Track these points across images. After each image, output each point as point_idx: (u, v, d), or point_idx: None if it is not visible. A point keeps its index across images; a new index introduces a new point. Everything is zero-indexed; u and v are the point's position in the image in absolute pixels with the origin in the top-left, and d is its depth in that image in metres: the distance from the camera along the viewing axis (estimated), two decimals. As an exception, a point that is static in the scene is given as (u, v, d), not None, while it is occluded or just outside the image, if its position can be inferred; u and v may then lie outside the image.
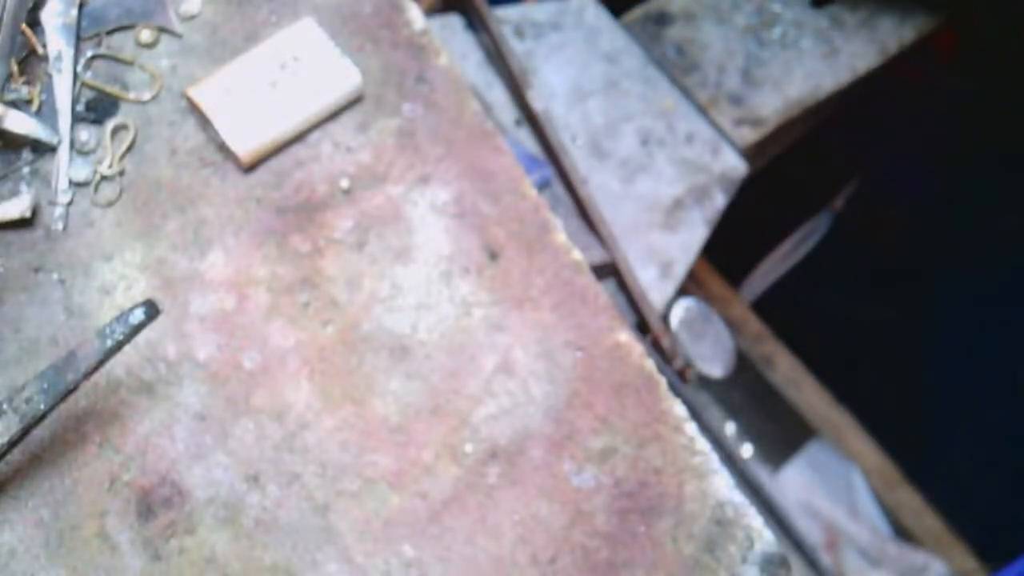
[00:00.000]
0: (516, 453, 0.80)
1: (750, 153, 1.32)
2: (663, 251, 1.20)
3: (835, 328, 1.92)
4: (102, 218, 0.84)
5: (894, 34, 1.42)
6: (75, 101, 0.87)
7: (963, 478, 1.75)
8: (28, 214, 0.82)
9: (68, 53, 0.87)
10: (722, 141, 1.29)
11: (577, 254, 0.88)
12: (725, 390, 1.65)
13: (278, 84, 0.88)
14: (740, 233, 1.45)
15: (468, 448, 0.80)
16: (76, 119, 0.87)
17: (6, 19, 0.84)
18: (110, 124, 0.87)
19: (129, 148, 0.87)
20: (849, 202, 2.00)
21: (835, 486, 1.69)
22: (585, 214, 1.12)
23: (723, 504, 0.80)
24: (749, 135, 1.32)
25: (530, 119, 1.18)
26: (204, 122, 0.87)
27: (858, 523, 1.66)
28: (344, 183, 0.88)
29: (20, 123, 0.83)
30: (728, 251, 1.55)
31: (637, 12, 1.45)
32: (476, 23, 1.22)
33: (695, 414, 0.86)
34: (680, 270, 1.19)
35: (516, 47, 1.26)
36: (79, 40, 0.89)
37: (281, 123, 0.87)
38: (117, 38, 0.91)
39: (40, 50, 0.87)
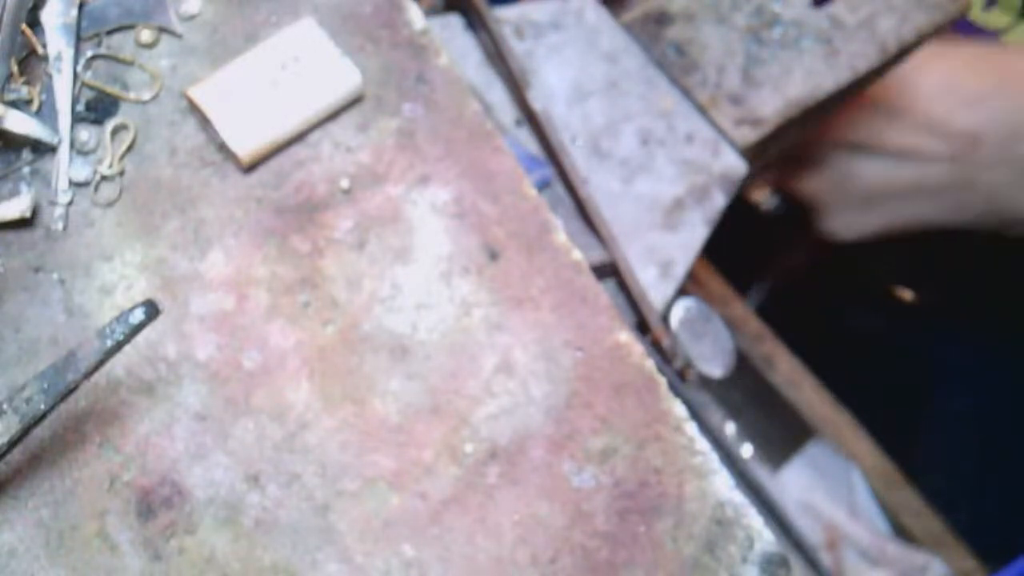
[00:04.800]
0: (516, 453, 0.80)
1: (750, 153, 1.32)
2: (663, 251, 1.19)
3: (835, 328, 1.92)
4: (102, 218, 0.84)
5: (894, 34, 1.42)
6: (75, 101, 0.87)
7: (963, 478, 1.75)
8: (28, 214, 0.82)
9: (68, 53, 0.87)
10: (722, 141, 1.29)
11: (577, 254, 0.88)
12: (725, 390, 1.65)
13: (278, 84, 0.88)
14: (740, 233, 1.44)
15: (468, 448, 0.80)
16: (76, 119, 0.86)
17: (6, 19, 0.84)
18: (110, 124, 0.87)
19: (129, 148, 0.87)
20: None
21: (835, 486, 1.69)
22: (585, 214, 1.12)
23: (723, 504, 0.80)
24: (749, 135, 1.32)
25: (530, 119, 1.18)
26: (204, 122, 0.87)
27: (858, 523, 1.65)
28: (344, 183, 0.88)
29: (20, 123, 0.83)
30: (728, 251, 1.55)
31: (637, 12, 1.45)
32: (476, 23, 1.22)
33: (695, 414, 0.86)
34: (680, 270, 1.19)
35: (516, 47, 1.26)
36: (79, 40, 0.89)
37: (281, 123, 0.87)
38: (117, 38, 0.91)
39: (40, 50, 0.87)
